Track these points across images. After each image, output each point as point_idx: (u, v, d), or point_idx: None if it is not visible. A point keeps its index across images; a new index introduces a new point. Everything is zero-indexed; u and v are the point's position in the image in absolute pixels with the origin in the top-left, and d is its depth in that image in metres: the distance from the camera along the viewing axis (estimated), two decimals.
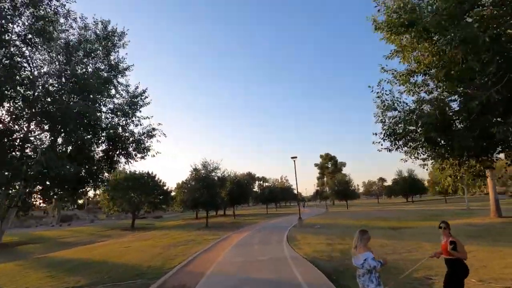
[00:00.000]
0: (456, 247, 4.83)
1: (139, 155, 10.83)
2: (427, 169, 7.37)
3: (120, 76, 11.30)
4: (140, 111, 11.13)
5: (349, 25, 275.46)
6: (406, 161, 7.18)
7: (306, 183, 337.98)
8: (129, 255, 13.46)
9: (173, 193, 41.92)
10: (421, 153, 6.03)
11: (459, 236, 15.63)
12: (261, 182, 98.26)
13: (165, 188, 39.09)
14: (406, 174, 72.07)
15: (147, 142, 11.05)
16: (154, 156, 11.04)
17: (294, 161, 23.43)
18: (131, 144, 10.64)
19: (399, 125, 5.77)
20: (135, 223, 37.33)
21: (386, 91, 6.29)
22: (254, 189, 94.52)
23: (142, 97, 11.21)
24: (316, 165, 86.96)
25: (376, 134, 6.63)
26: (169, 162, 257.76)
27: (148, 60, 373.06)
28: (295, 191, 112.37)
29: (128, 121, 10.86)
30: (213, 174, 29.75)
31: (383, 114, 6.16)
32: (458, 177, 6.07)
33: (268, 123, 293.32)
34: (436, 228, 18.37)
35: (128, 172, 38.29)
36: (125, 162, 10.89)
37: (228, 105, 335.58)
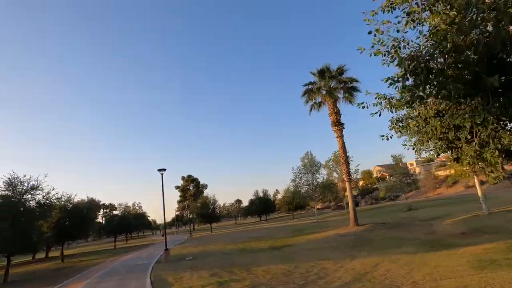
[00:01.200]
0: None
1: None
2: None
3: None
4: None
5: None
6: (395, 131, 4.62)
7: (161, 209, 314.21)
8: None
9: None
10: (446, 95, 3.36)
11: (340, 246, 15.31)
12: (108, 210, 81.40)
13: None
14: (262, 194, 78.30)
15: None
16: None
17: (162, 174, 18.20)
18: None
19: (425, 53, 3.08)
20: None
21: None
22: (97, 220, 76.34)
23: None
24: (177, 187, 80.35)
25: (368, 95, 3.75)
26: None
27: None
28: (150, 219, 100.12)
29: None
30: (28, 197, 19.37)
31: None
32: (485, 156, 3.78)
33: (123, 143, 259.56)
34: (317, 242, 16.97)
35: None
36: None
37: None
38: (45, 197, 20.31)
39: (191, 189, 79.40)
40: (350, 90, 22.05)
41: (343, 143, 21.75)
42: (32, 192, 19.55)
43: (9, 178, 18.75)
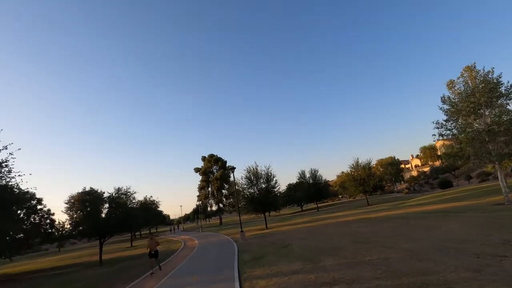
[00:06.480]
0: None
1: None
2: None
3: None
4: None
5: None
6: None
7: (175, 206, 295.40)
8: None
9: None
10: None
11: None
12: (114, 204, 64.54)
13: None
14: (309, 175, 58.39)
15: None
16: None
17: None
18: None
19: None
20: None
21: None
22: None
23: None
24: (197, 170, 61.82)
25: None
26: None
27: None
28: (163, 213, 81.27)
29: None
30: None
31: None
32: None
33: None
34: None
35: None
36: None
37: None
38: None
39: (216, 172, 60.91)
40: None
41: None
42: None
43: None
